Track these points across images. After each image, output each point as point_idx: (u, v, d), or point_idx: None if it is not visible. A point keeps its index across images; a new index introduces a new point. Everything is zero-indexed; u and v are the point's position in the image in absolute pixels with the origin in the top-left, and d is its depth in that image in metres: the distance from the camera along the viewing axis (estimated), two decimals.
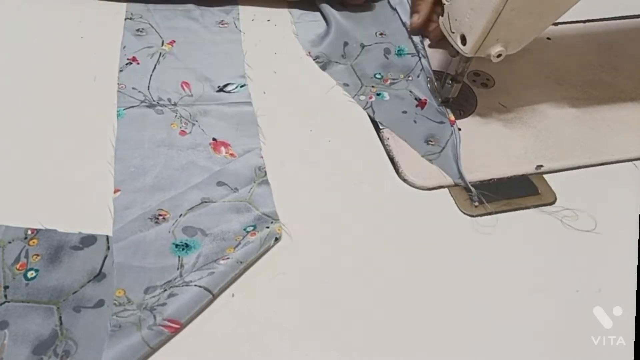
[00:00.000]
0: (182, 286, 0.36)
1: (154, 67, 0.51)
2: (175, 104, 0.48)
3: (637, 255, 0.42)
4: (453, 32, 0.46)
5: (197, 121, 0.47)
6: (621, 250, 0.42)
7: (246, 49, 0.55)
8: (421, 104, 0.51)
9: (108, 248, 0.39)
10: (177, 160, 0.44)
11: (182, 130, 0.46)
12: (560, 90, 0.55)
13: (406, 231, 0.42)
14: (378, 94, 0.52)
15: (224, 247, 0.39)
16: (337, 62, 0.55)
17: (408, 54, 0.57)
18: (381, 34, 0.59)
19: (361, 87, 0.53)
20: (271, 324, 0.36)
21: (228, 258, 0.37)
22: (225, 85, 0.51)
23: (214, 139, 0.46)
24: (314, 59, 0.55)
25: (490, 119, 0.51)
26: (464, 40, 0.44)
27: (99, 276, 0.37)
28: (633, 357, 0.37)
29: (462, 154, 0.47)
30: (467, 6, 0.43)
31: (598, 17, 0.64)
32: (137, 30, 0.55)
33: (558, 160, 0.48)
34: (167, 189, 0.42)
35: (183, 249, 0.38)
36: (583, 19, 0.63)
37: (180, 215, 0.40)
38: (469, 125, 0.50)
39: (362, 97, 0.52)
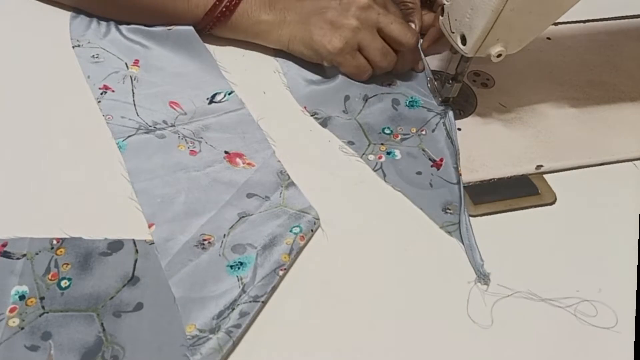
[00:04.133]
0: (250, 302, 0.36)
1: (133, 93, 0.49)
2: (173, 125, 0.47)
3: (637, 255, 0.42)
4: (453, 32, 0.46)
5: (202, 138, 0.46)
6: (621, 250, 0.42)
7: (218, 59, 0.52)
8: (436, 165, 0.47)
9: (137, 251, 0.38)
10: (198, 181, 0.43)
11: (192, 150, 0.45)
12: (560, 90, 0.55)
13: (406, 231, 0.42)
14: (388, 153, 0.47)
15: (278, 254, 0.39)
16: (338, 117, 0.50)
17: (423, 106, 0.51)
18: (389, 84, 0.53)
19: (369, 145, 0.48)
20: (272, 322, 0.36)
21: (285, 268, 0.38)
22: (214, 96, 0.49)
23: (226, 152, 0.45)
24: (311, 115, 0.50)
25: (490, 119, 0.51)
26: (464, 40, 0.44)
27: (133, 280, 0.37)
28: (633, 357, 0.37)
29: (462, 154, 0.46)
30: (467, 6, 0.43)
31: (598, 17, 0.64)
32: (92, 56, 0.51)
33: (558, 160, 0.48)
34: (200, 213, 0.41)
35: (239, 268, 0.38)
36: (583, 19, 0.63)
37: (224, 235, 0.40)
38: (469, 125, 0.50)
39: (371, 157, 0.47)
